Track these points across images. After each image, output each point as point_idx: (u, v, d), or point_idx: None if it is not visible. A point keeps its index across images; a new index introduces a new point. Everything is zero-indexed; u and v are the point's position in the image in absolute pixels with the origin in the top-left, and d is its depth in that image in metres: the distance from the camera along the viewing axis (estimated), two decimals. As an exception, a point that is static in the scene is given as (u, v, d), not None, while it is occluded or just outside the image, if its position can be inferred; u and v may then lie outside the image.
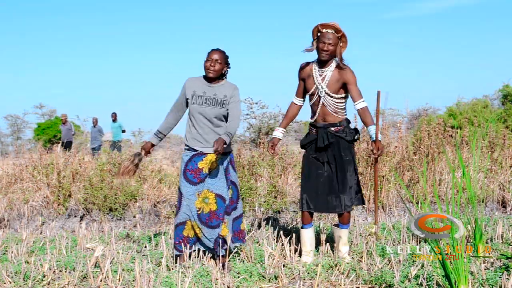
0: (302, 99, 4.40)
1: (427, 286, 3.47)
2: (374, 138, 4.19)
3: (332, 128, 4.19)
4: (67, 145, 13.85)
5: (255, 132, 17.50)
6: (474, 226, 4.24)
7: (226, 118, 4.19)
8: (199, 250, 4.25)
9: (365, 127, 4.33)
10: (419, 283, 3.50)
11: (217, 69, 4.12)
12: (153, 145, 4.34)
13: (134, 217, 6.52)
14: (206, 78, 4.20)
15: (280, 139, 4.47)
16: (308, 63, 4.29)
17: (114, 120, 16.26)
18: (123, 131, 16.52)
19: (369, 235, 4.95)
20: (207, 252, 4.27)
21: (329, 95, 4.17)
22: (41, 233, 6.01)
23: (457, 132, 8.69)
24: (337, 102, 4.20)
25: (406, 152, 7.11)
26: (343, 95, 4.21)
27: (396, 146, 7.14)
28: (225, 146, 3.93)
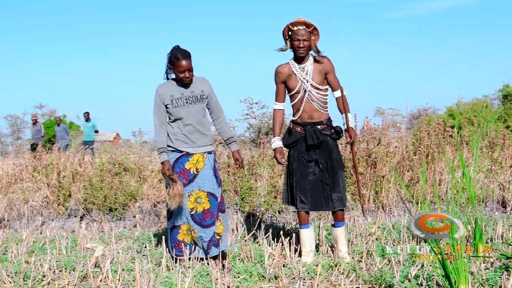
0: (284, 103, 4.38)
1: (427, 286, 3.47)
2: (351, 126, 4.28)
3: (319, 127, 4.21)
4: (35, 147, 12.52)
5: (255, 132, 17.50)
6: (474, 226, 4.23)
7: (206, 112, 4.29)
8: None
9: (341, 114, 4.35)
10: (419, 283, 3.50)
11: (192, 75, 4.16)
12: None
13: (134, 217, 6.52)
14: (176, 80, 4.19)
15: (282, 146, 4.43)
16: (285, 65, 4.28)
17: (87, 120, 15.62)
18: (96, 132, 15.87)
19: (369, 235, 4.96)
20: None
21: (315, 88, 4.19)
22: (41, 233, 6.01)
23: (457, 132, 8.69)
24: (323, 95, 4.23)
25: (406, 152, 7.11)
26: (326, 87, 4.26)
27: (396, 146, 7.14)
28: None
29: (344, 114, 4.29)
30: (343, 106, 4.29)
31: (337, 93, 4.30)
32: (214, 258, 4.20)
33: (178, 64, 4.09)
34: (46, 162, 7.65)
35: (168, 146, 4.18)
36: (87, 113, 15.73)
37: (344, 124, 4.32)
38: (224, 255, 4.30)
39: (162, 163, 4.16)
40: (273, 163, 7.35)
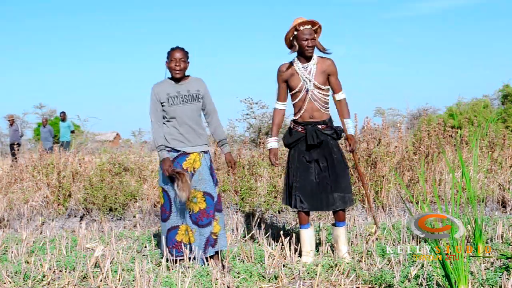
0: (285, 103, 4.38)
1: (427, 286, 3.47)
2: (351, 133, 4.27)
3: (319, 126, 4.21)
4: (14, 148, 12.00)
5: (255, 132, 17.49)
6: (474, 226, 4.23)
7: (201, 112, 4.29)
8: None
9: (341, 119, 4.35)
10: (419, 283, 3.50)
11: (182, 67, 4.16)
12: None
13: (134, 217, 6.52)
14: (172, 79, 4.20)
15: (278, 148, 4.45)
16: (287, 64, 4.30)
17: (63, 120, 15.57)
18: (72, 132, 15.85)
19: (369, 235, 4.95)
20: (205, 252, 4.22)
21: (317, 87, 4.20)
22: (41, 233, 6.01)
23: (457, 132, 8.68)
24: (324, 95, 4.23)
25: (406, 152, 7.11)
26: (328, 87, 4.27)
27: (396, 146, 7.13)
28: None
29: (344, 120, 4.29)
30: (343, 110, 4.29)
31: (338, 96, 4.30)
32: (212, 257, 4.19)
33: (171, 53, 4.15)
34: (46, 162, 7.65)
35: (166, 146, 4.17)
36: (63, 113, 15.69)
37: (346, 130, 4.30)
38: (223, 255, 4.30)
39: (162, 160, 4.10)
40: (273, 163, 7.35)
